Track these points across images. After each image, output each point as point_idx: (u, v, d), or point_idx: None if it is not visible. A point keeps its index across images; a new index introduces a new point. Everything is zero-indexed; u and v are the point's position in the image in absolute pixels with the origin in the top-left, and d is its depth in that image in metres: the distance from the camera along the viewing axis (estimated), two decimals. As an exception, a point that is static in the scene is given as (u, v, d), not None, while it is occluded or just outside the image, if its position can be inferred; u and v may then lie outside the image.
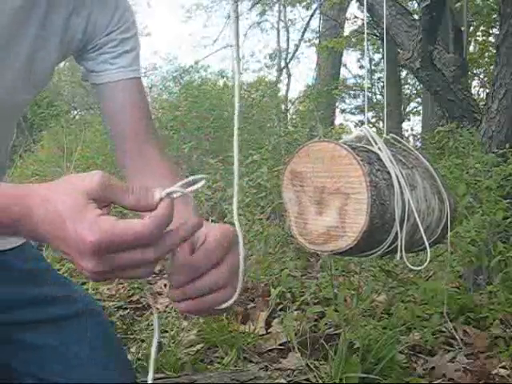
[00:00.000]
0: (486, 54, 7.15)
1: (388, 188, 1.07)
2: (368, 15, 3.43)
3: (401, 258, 1.10)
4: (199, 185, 0.62)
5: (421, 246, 1.17)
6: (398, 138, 1.25)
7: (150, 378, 0.64)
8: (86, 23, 0.93)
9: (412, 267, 1.16)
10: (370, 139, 1.14)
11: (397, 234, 1.08)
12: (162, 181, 0.90)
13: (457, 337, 2.12)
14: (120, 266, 0.58)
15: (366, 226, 1.02)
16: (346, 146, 1.07)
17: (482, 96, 7.41)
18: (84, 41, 0.95)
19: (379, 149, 1.12)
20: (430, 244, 1.20)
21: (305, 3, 11.51)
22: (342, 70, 11.90)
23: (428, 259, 1.15)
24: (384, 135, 1.23)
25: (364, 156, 1.08)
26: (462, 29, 4.03)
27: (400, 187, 1.09)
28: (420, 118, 11.65)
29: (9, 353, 0.90)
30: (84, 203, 0.57)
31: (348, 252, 1.08)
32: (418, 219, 1.11)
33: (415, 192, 1.13)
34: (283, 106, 12.11)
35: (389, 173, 1.09)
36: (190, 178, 0.62)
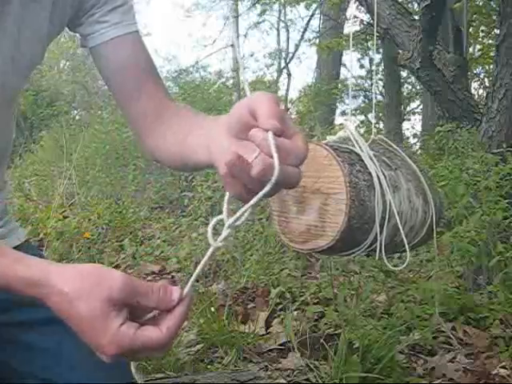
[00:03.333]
0: (487, 54, 7.14)
1: (369, 189, 1.07)
2: (368, 15, 3.43)
3: (380, 258, 1.10)
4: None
5: (405, 247, 1.17)
6: (386, 139, 1.25)
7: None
8: None
9: (391, 267, 1.16)
10: (352, 140, 1.14)
11: (377, 234, 1.08)
12: (205, 127, 0.81)
13: (455, 337, 2.12)
14: (132, 355, 0.64)
15: (344, 226, 1.02)
16: (326, 147, 1.07)
17: (482, 96, 7.41)
18: (75, 8, 0.92)
19: (360, 149, 1.12)
20: (414, 244, 1.21)
21: (305, 3, 11.49)
22: (342, 70, 11.88)
23: (407, 259, 1.15)
24: (372, 136, 1.23)
25: (345, 157, 1.08)
26: (462, 29, 4.03)
27: (381, 188, 1.08)
28: (420, 117, 11.65)
29: (8, 353, 0.90)
30: (106, 313, 0.61)
31: (327, 251, 1.08)
32: (398, 220, 1.10)
33: (398, 193, 1.13)
34: (283, 106, 12.09)
35: (370, 173, 1.09)
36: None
